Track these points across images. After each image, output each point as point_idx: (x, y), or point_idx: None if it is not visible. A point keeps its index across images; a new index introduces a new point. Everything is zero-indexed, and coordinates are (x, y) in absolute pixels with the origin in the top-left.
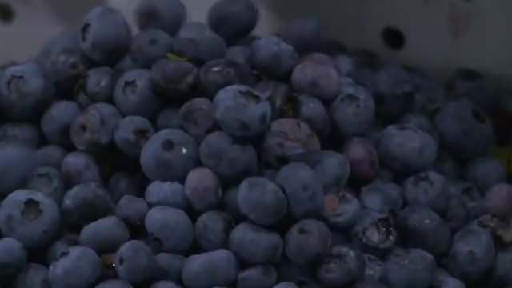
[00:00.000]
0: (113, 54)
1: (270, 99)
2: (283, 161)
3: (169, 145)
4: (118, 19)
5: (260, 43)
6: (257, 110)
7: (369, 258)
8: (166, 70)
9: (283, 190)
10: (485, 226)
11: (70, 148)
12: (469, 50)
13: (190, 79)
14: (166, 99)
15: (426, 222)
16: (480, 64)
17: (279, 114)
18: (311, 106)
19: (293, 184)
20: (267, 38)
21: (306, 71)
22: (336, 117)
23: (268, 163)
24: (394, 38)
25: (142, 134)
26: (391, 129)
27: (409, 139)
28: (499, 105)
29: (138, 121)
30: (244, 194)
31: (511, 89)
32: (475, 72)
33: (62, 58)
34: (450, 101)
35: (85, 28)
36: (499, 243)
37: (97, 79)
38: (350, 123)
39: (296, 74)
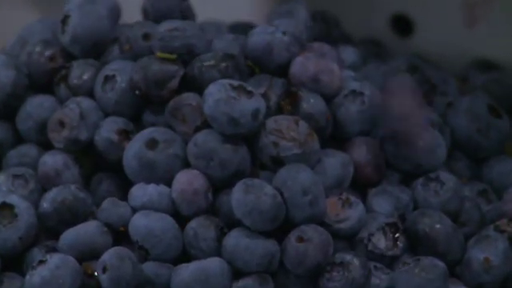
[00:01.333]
0: (94, 50)
1: (265, 95)
2: (278, 162)
3: (153, 143)
4: (101, 11)
5: (254, 31)
6: (249, 105)
7: (375, 266)
8: (147, 75)
9: (281, 194)
10: (502, 232)
11: (47, 147)
12: (485, 39)
13: (174, 84)
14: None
15: (437, 226)
16: (497, 54)
17: (276, 110)
18: (312, 102)
19: (292, 188)
20: (264, 26)
21: (307, 65)
22: (339, 115)
23: (263, 164)
24: (402, 25)
25: (125, 135)
26: None
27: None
28: None
29: (121, 121)
30: (238, 197)
31: None
32: (492, 63)
33: (38, 49)
34: (464, 94)
35: (64, 20)
36: None
37: (80, 71)
38: (354, 121)
39: (296, 68)
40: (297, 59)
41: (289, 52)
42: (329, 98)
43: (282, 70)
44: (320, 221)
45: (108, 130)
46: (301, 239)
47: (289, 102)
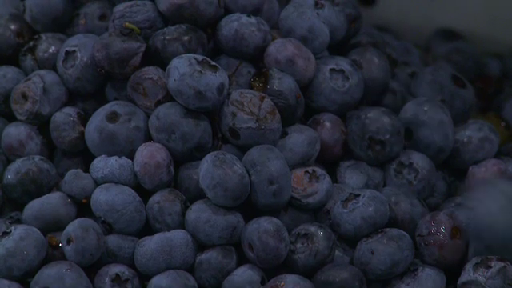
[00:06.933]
0: (55, 25)
1: (232, 77)
2: (234, 133)
3: (113, 116)
4: None
5: (220, 24)
6: (214, 79)
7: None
8: (110, 53)
9: (249, 174)
10: None
11: (11, 118)
12: (448, 9)
13: (136, 61)
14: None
15: (408, 214)
16: (460, 24)
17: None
18: (282, 79)
19: (260, 173)
20: (228, 15)
21: (286, 45)
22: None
23: (225, 137)
24: None
25: (83, 118)
26: None
27: None
28: (481, 68)
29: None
30: (207, 168)
31: (494, 51)
32: (455, 32)
33: (3, 22)
34: (427, 64)
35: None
36: None
37: (47, 44)
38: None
39: (274, 46)
40: (277, 39)
41: (261, 31)
42: (300, 85)
43: (261, 50)
44: (281, 209)
45: (69, 109)
46: (250, 247)
47: (259, 81)
